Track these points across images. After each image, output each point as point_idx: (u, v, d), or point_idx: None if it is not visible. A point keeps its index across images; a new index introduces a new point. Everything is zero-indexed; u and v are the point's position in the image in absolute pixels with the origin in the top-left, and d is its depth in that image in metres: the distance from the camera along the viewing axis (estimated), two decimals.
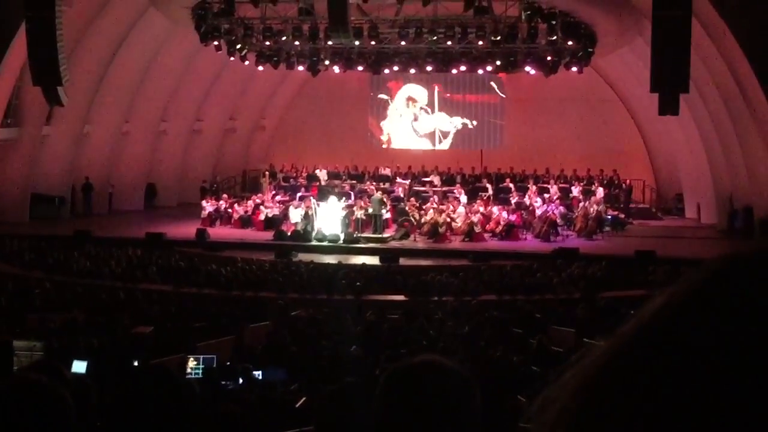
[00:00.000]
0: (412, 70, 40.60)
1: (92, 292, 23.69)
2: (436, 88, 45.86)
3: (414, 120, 47.00)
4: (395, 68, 39.44)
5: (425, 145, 46.93)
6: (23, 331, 17.85)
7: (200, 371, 14.58)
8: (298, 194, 37.82)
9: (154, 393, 3.47)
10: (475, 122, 46.22)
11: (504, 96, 45.85)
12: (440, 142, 46.76)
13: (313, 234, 33.04)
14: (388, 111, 47.18)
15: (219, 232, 34.63)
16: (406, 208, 34.76)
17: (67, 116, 36.28)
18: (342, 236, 32.68)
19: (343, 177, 41.27)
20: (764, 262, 0.92)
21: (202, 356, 15.38)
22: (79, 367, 13.70)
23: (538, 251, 30.87)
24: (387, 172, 41.95)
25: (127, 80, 38.63)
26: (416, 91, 46.38)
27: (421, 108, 46.82)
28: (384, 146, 47.17)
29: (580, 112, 44.59)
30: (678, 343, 0.88)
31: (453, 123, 46.42)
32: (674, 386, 0.86)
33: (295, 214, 34.47)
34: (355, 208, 34.14)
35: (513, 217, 34.43)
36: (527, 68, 37.34)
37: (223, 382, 13.66)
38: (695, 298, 0.91)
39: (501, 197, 37.91)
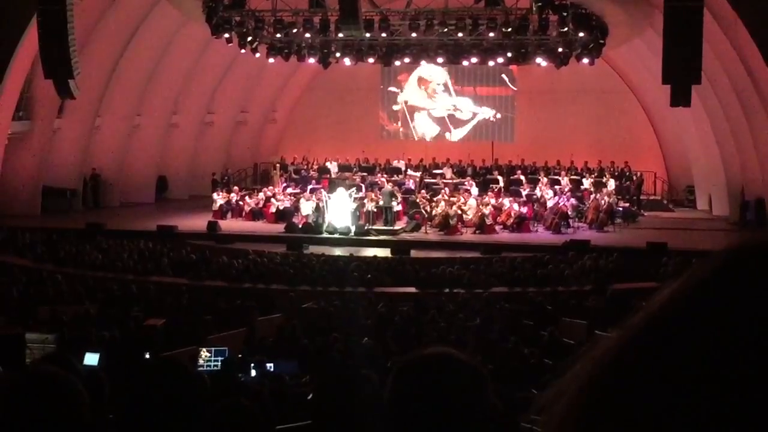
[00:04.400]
0: (423, 62, 40.53)
1: (104, 285, 23.75)
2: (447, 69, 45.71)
3: (428, 98, 46.96)
4: (406, 60, 39.37)
5: (436, 130, 46.93)
6: (35, 324, 17.92)
7: (218, 363, 14.62)
8: (309, 186, 37.77)
9: (166, 385, 3.48)
10: (499, 115, 46.21)
11: (515, 88, 45.81)
12: (454, 127, 46.67)
13: (324, 226, 33.05)
14: (401, 97, 47.21)
15: (230, 224, 34.67)
16: (417, 201, 34.77)
17: (79, 109, 36.33)
18: (353, 228, 32.68)
19: (354, 169, 41.24)
20: None
21: (213, 348, 15.42)
22: (91, 359, 13.75)
23: (549, 243, 30.83)
24: (398, 164, 41.91)
25: (138, 73, 38.70)
26: (432, 71, 46.15)
27: (439, 85, 46.77)
28: (390, 128, 47.19)
29: (591, 104, 44.50)
30: (687, 335, 0.88)
31: (479, 112, 46.31)
32: (684, 378, 0.86)
33: (306, 207, 34.48)
34: (366, 201, 34.14)
35: (524, 209, 34.39)
36: (538, 60, 37.28)
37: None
38: (704, 289, 0.91)
39: (512, 189, 37.84)
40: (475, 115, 46.44)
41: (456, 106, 46.66)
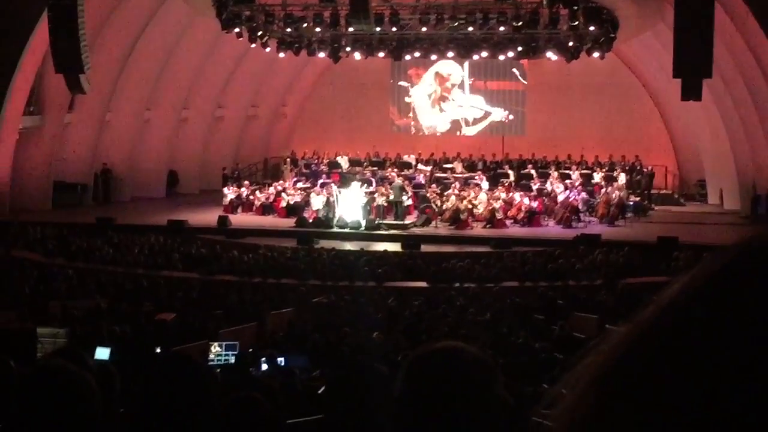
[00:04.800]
0: (434, 56, 40.49)
1: (115, 280, 23.82)
2: (467, 66, 45.57)
3: (442, 100, 46.88)
4: (416, 54, 39.33)
5: (448, 126, 46.86)
6: (47, 319, 17.98)
7: (228, 358, 14.66)
8: (320, 181, 37.82)
9: (176, 380, 3.48)
10: (511, 116, 46.13)
11: (526, 82, 45.73)
12: (466, 125, 46.58)
13: (335, 221, 33.07)
14: (412, 91, 47.16)
15: (241, 219, 34.72)
16: (428, 195, 34.76)
17: (89, 104, 36.42)
18: (363, 223, 32.68)
19: (365, 164, 41.25)
20: None
21: (224, 343, 15.46)
22: (102, 353, 13.80)
23: (560, 237, 30.81)
24: (409, 158, 41.90)
25: (148, 68, 38.73)
26: (450, 68, 46.07)
27: (453, 84, 46.70)
28: (400, 123, 47.17)
29: (602, 98, 44.38)
30: (698, 328, 0.88)
31: (492, 112, 46.21)
32: (694, 372, 0.86)
33: (317, 201, 34.50)
34: (376, 195, 34.15)
35: (535, 204, 34.34)
36: (549, 54, 37.20)
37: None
38: (715, 283, 0.91)
39: (523, 183, 37.81)
40: (487, 114, 46.30)
41: (468, 106, 46.53)
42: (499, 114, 46.16)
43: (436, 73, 46.60)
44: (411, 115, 47.47)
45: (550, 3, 32.36)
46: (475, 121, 46.52)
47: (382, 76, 46.28)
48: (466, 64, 44.97)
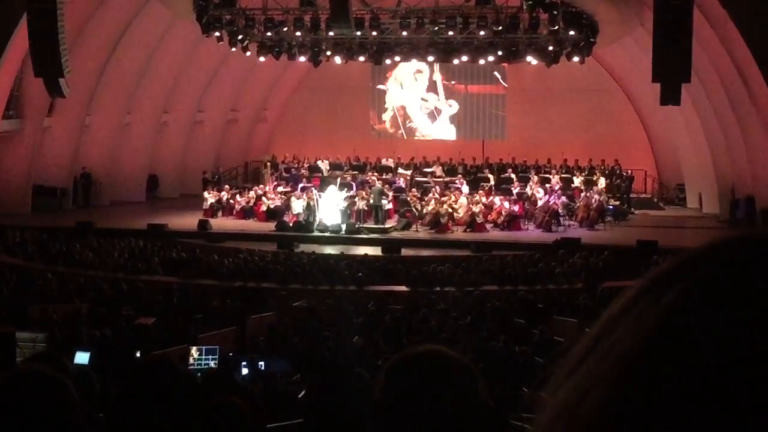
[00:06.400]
0: (414, 61, 40.51)
1: (95, 284, 23.71)
2: (437, 66, 45.44)
3: (426, 91, 46.93)
4: (397, 58, 39.38)
5: (427, 122, 46.86)
6: (26, 323, 17.91)
7: (208, 362, 14.63)
8: (300, 185, 37.77)
9: (156, 384, 3.47)
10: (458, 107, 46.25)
11: (506, 85, 45.79)
12: (439, 118, 46.63)
13: (315, 225, 33.04)
14: (390, 92, 47.19)
15: (221, 223, 34.64)
16: (408, 199, 34.76)
17: (69, 108, 36.25)
18: (344, 227, 32.67)
19: (345, 167, 41.21)
20: (754, 249, 0.91)
21: (204, 347, 15.42)
22: (81, 358, 13.76)
23: (540, 241, 30.86)
24: (388, 162, 41.91)
25: (128, 72, 38.62)
26: (420, 67, 46.05)
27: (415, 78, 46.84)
28: (379, 127, 47.15)
29: (582, 102, 44.52)
30: (666, 330, 0.88)
31: (449, 104, 46.33)
32: (667, 374, 0.86)
33: (297, 205, 34.46)
34: (356, 199, 34.13)
35: (515, 208, 34.42)
36: (529, 58, 37.28)
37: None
38: (679, 284, 0.91)
39: (503, 187, 37.85)
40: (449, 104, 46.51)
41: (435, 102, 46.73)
42: (454, 106, 46.27)
43: (417, 71, 46.51)
44: (387, 123, 47.43)
45: (530, 8, 32.41)
46: (437, 112, 46.61)
47: (363, 80, 46.28)
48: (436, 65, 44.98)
